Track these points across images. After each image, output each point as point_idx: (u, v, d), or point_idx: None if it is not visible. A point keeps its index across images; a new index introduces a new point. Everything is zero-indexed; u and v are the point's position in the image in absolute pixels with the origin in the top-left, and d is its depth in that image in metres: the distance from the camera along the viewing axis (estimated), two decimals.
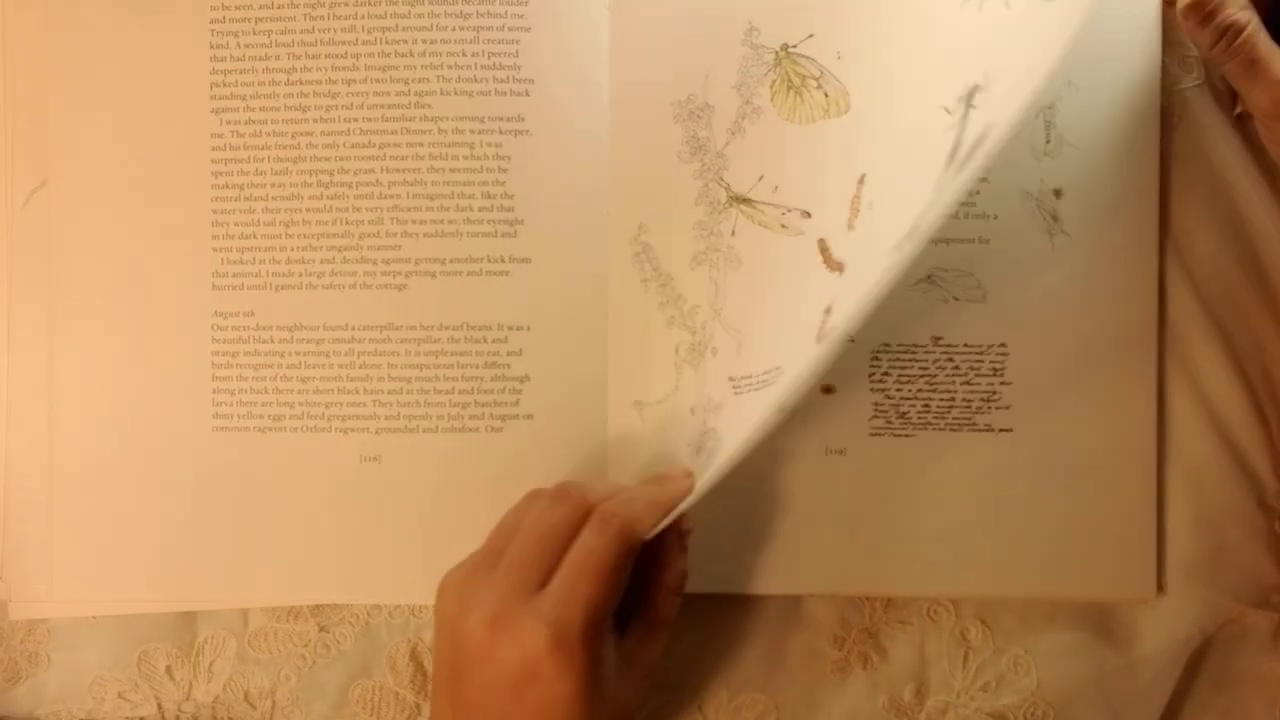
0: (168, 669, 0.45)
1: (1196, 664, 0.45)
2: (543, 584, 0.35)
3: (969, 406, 0.44)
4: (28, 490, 0.44)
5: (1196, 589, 0.44)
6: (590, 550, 0.35)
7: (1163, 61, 0.44)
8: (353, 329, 0.44)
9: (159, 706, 0.45)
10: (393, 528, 0.44)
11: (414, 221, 0.44)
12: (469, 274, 0.44)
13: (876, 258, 0.33)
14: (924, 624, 0.45)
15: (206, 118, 0.45)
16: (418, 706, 0.45)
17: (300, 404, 0.44)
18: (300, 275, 0.45)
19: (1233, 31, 0.39)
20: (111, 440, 0.44)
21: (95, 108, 0.45)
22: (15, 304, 0.45)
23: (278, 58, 0.45)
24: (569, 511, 0.36)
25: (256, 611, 0.46)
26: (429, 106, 0.44)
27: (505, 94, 0.44)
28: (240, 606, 0.45)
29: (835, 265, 0.40)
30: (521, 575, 0.35)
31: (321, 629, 0.46)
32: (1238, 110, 0.44)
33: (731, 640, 0.45)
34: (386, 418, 0.44)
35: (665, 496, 0.38)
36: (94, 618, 0.45)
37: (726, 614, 0.45)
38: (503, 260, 0.44)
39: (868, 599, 0.45)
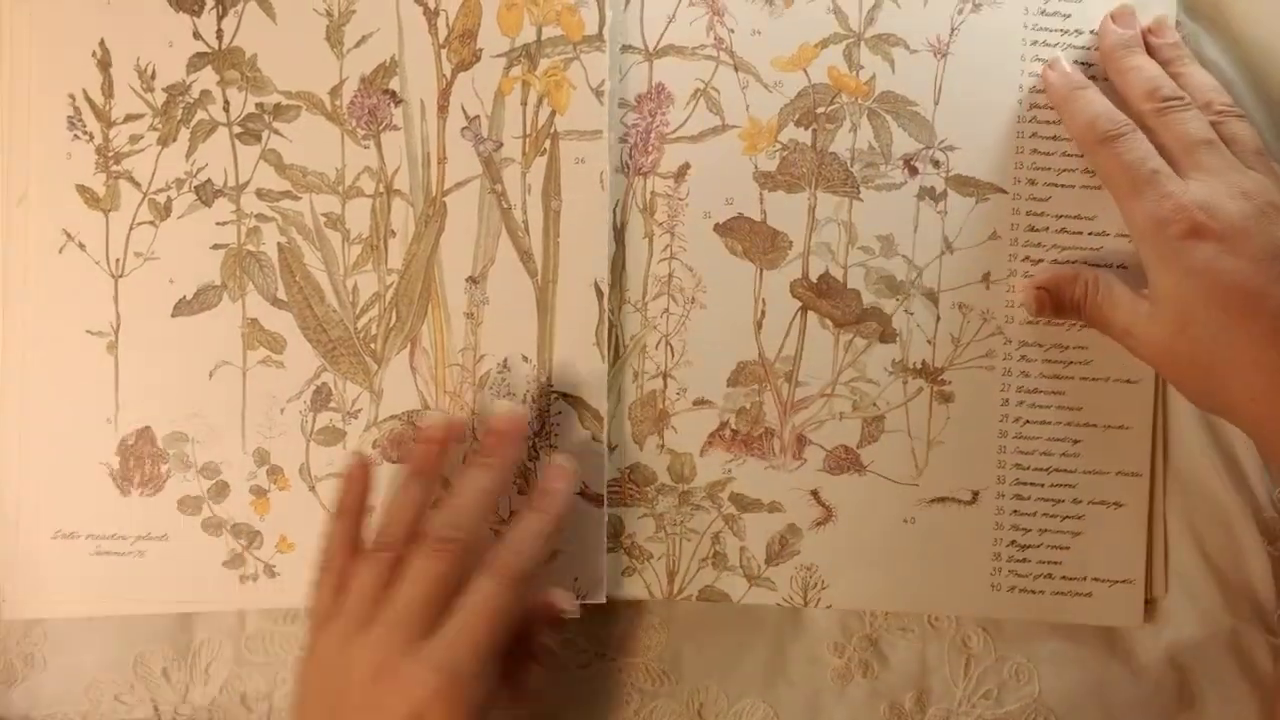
0: (164, 671, 0.45)
1: (1195, 675, 0.45)
2: (429, 633, 0.36)
3: None
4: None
5: (1195, 601, 0.44)
6: (485, 597, 0.37)
7: None
8: None
9: (155, 709, 0.45)
10: None
11: None
12: None
13: None
14: (925, 631, 0.45)
15: None
16: None
17: None
18: None
19: (1077, 311, 0.42)
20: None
21: None
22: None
23: None
24: (454, 563, 0.37)
25: (253, 614, 0.45)
26: None
27: None
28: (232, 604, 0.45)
29: None
30: (408, 627, 0.36)
31: None
32: None
33: (731, 646, 0.45)
34: None
35: (548, 523, 0.39)
36: (90, 620, 0.45)
37: (726, 620, 0.45)
38: None
39: None
